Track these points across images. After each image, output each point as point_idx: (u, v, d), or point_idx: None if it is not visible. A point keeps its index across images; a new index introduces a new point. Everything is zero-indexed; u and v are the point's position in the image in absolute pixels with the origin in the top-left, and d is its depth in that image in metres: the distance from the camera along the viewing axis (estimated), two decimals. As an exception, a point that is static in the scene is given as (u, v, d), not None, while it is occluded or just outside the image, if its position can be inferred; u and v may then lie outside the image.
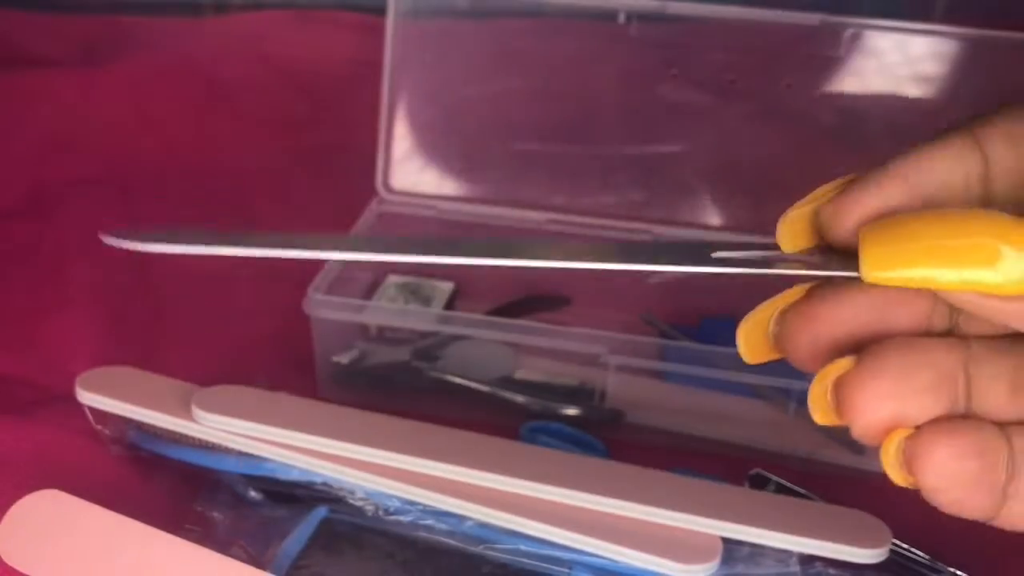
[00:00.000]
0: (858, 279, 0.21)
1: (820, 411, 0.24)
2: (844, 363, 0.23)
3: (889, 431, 0.23)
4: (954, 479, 0.22)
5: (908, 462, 0.22)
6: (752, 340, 0.25)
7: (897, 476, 0.23)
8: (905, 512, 0.42)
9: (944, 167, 0.22)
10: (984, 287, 0.20)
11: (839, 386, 0.23)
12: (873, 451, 0.43)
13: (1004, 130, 0.23)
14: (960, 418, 0.22)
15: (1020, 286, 0.20)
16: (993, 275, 0.20)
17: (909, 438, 0.22)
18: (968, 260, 0.20)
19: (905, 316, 0.23)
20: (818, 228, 0.24)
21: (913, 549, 0.38)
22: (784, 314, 0.25)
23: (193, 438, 0.38)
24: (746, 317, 0.25)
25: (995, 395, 0.22)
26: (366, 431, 0.37)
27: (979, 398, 0.22)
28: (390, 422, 0.39)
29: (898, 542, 0.38)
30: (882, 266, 0.21)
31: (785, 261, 0.24)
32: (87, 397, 0.39)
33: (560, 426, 0.42)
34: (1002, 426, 0.22)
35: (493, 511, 0.34)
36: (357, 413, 0.40)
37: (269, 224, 0.62)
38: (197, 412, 0.37)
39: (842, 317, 0.24)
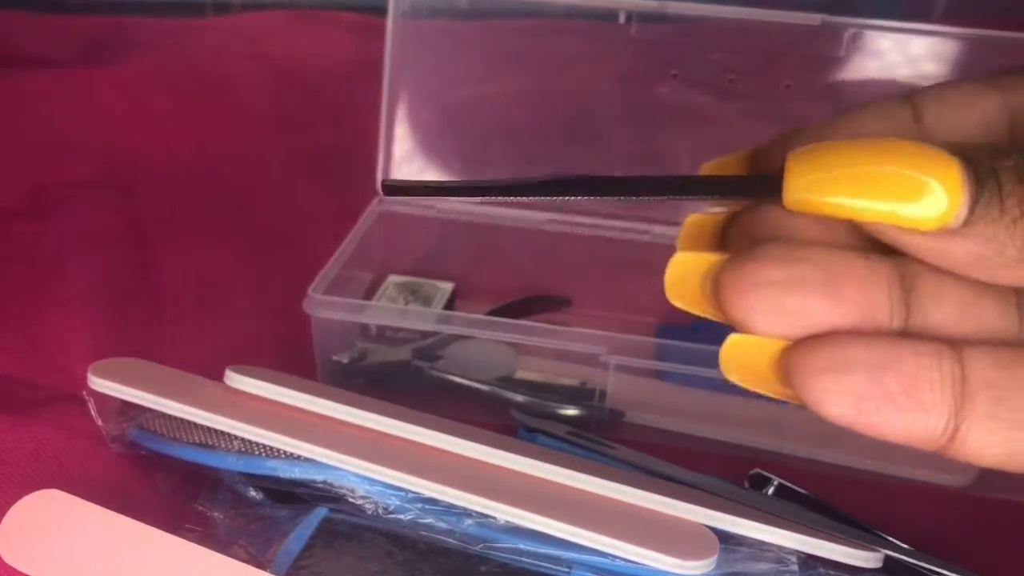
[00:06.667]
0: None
1: (681, 295, 0.22)
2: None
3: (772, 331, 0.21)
4: (836, 395, 0.20)
5: (784, 373, 0.21)
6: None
7: (773, 388, 0.22)
8: (906, 512, 0.42)
9: (875, 125, 0.22)
10: (905, 221, 0.19)
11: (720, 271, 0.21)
12: (873, 452, 0.43)
13: (937, 93, 0.22)
14: (875, 333, 0.20)
15: (941, 222, 0.18)
16: (916, 210, 0.18)
17: (787, 348, 0.21)
18: (892, 192, 0.18)
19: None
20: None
21: (912, 548, 0.38)
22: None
23: (195, 436, 0.38)
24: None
25: (940, 311, 0.20)
26: (377, 407, 0.39)
27: (920, 314, 0.20)
28: (399, 407, 0.40)
29: (898, 542, 0.38)
30: (802, 192, 0.19)
31: (711, 184, 0.22)
32: (99, 384, 0.38)
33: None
34: (955, 345, 0.20)
35: (490, 501, 0.34)
36: (368, 399, 0.41)
37: (269, 225, 0.62)
38: (231, 375, 0.39)
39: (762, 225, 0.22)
